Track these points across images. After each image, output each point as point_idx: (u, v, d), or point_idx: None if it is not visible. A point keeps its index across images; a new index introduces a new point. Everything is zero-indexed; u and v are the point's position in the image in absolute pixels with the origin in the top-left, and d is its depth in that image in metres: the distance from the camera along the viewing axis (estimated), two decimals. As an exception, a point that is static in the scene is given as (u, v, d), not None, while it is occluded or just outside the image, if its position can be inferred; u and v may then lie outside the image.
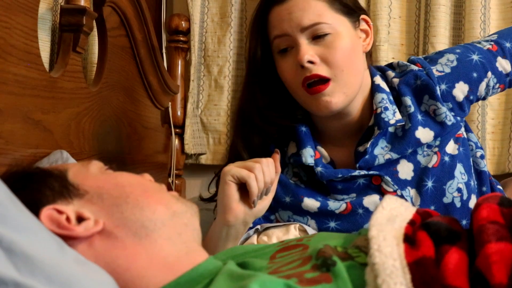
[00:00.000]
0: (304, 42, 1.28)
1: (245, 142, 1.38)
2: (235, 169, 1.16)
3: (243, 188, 1.17)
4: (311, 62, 1.26)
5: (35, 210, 0.78)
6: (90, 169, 0.87)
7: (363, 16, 1.38)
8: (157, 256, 0.81)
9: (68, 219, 0.79)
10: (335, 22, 1.30)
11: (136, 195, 0.84)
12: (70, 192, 0.83)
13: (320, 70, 1.27)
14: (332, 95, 1.27)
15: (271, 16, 1.33)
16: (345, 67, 1.28)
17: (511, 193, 1.53)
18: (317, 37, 1.28)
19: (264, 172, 1.16)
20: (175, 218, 0.85)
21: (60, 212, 0.79)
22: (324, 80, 1.27)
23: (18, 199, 0.73)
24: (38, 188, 0.82)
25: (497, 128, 2.02)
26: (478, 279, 0.72)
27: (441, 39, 1.97)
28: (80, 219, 0.80)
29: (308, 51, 1.27)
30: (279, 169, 1.22)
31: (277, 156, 1.23)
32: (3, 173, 0.88)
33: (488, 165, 1.98)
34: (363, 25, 1.38)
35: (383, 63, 1.97)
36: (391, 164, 1.34)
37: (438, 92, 1.34)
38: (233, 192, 1.16)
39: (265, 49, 1.35)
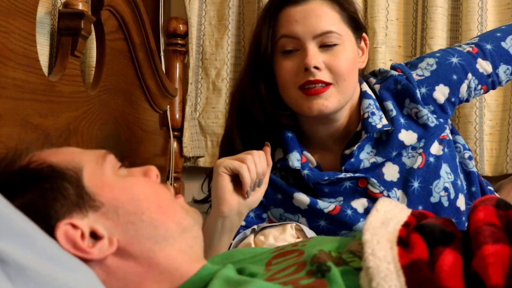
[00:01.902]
0: (312, 47, 1.29)
1: (244, 137, 1.38)
2: (227, 161, 1.19)
3: (236, 180, 1.19)
4: (316, 68, 1.28)
5: (47, 220, 0.76)
6: (105, 171, 0.84)
7: (363, 34, 1.41)
8: (170, 267, 0.81)
9: (82, 235, 0.77)
10: (344, 35, 1.33)
11: (151, 212, 0.82)
12: (85, 203, 0.79)
13: (323, 76, 1.29)
14: (329, 99, 1.30)
15: (282, 15, 1.33)
16: (346, 76, 1.31)
17: (506, 195, 1.53)
18: (325, 46, 1.30)
19: (256, 163, 1.19)
20: (185, 233, 0.85)
21: (75, 227, 0.77)
22: (325, 84, 1.29)
23: (11, 204, 0.69)
24: (50, 194, 0.78)
25: (495, 130, 2.02)
26: (474, 280, 0.72)
27: (438, 40, 1.98)
28: (93, 233, 0.78)
29: (316, 56, 1.28)
30: (271, 162, 1.25)
31: (268, 149, 1.26)
32: (3, 160, 0.84)
33: (486, 167, 1.99)
34: (361, 43, 1.41)
35: (380, 65, 1.98)
36: (376, 167, 1.36)
37: (419, 95, 1.36)
38: (226, 183, 1.18)
39: (272, 46, 1.35)
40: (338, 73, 1.29)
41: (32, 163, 0.82)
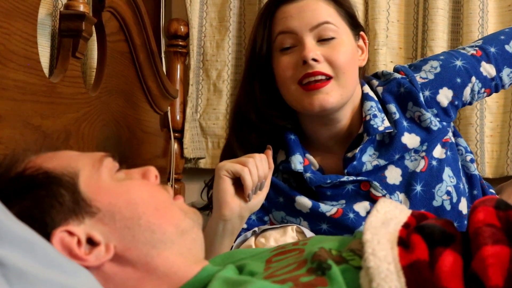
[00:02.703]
0: (310, 41, 1.29)
1: (241, 141, 1.38)
2: (229, 164, 1.19)
3: (238, 183, 1.19)
4: (315, 60, 1.27)
5: (43, 227, 0.75)
6: (102, 176, 0.83)
7: (361, 32, 1.41)
8: (168, 272, 0.81)
9: (79, 241, 0.77)
10: (341, 28, 1.33)
11: (148, 217, 0.81)
12: (82, 209, 0.79)
13: (323, 68, 1.28)
14: (330, 93, 1.29)
15: (278, 13, 1.34)
16: (346, 69, 1.30)
17: (507, 198, 1.53)
18: (322, 40, 1.30)
19: (258, 166, 1.19)
20: (184, 235, 0.84)
21: (71, 234, 0.77)
22: (325, 78, 1.28)
23: (7, 210, 0.69)
24: (46, 201, 0.78)
25: (496, 132, 2.02)
26: (473, 282, 0.72)
27: (439, 42, 1.98)
28: (90, 240, 0.78)
29: (314, 49, 1.28)
30: (272, 165, 1.25)
31: (270, 152, 1.26)
32: None
33: (487, 168, 1.99)
34: (360, 41, 1.41)
35: (381, 66, 1.98)
36: (378, 170, 1.36)
37: (422, 98, 1.35)
38: (228, 186, 1.18)
39: (269, 45, 1.35)
40: (337, 66, 1.29)
41: (28, 169, 0.81)
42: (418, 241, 0.79)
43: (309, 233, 1.31)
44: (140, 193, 0.84)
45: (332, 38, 1.30)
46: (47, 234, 0.75)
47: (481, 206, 0.83)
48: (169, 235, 0.82)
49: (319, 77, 1.28)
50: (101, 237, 0.78)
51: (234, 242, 1.28)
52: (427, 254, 0.77)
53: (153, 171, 0.90)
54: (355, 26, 1.38)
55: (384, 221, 0.86)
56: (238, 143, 1.38)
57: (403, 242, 0.80)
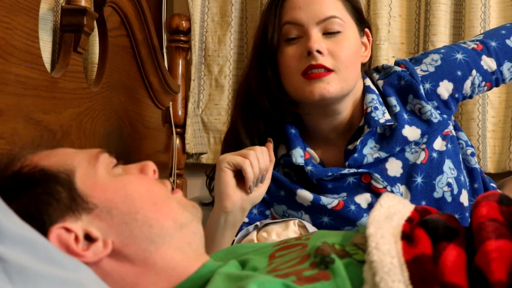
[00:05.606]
0: (316, 33, 1.30)
1: (249, 130, 1.38)
2: (230, 157, 1.20)
3: (239, 176, 1.20)
4: (319, 52, 1.28)
5: (41, 225, 0.75)
6: (98, 172, 0.83)
7: (366, 29, 1.41)
8: (167, 267, 0.81)
9: (76, 238, 0.77)
10: (347, 23, 1.34)
11: (145, 211, 0.81)
12: (78, 205, 0.79)
13: (326, 61, 1.29)
14: (330, 84, 1.29)
15: (287, 1, 1.34)
16: (348, 64, 1.31)
17: (509, 192, 1.53)
18: (328, 33, 1.31)
19: (259, 158, 1.20)
20: (183, 229, 0.84)
21: (68, 230, 0.77)
22: (327, 70, 1.29)
23: (8, 207, 0.69)
24: (43, 199, 0.78)
25: (498, 127, 2.02)
26: (477, 276, 0.72)
27: (441, 37, 1.97)
28: (87, 236, 0.78)
29: (319, 41, 1.29)
30: (273, 158, 1.26)
31: (271, 145, 1.27)
32: None
33: (489, 164, 1.98)
34: (364, 38, 1.41)
35: (383, 61, 1.98)
36: (379, 163, 1.37)
37: (422, 91, 1.36)
38: (229, 178, 1.20)
39: (278, 34, 1.35)
40: (340, 60, 1.30)
41: (24, 167, 0.81)
42: (421, 235, 0.79)
43: (311, 228, 1.31)
44: (137, 188, 0.83)
45: (338, 32, 1.31)
46: (44, 231, 0.75)
47: (484, 201, 0.83)
48: (167, 229, 0.82)
49: (322, 69, 1.29)
50: (98, 233, 0.78)
51: (236, 236, 1.29)
52: (431, 249, 0.77)
53: (151, 166, 0.89)
54: (361, 22, 1.38)
55: (388, 216, 0.86)
56: (245, 130, 1.38)
57: (407, 236, 0.80)
